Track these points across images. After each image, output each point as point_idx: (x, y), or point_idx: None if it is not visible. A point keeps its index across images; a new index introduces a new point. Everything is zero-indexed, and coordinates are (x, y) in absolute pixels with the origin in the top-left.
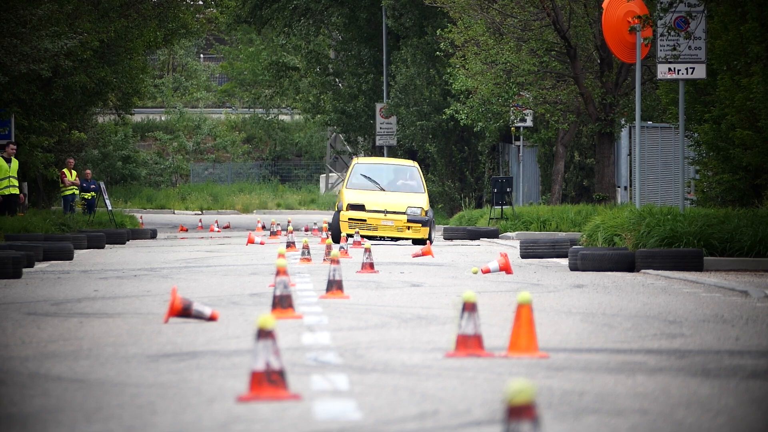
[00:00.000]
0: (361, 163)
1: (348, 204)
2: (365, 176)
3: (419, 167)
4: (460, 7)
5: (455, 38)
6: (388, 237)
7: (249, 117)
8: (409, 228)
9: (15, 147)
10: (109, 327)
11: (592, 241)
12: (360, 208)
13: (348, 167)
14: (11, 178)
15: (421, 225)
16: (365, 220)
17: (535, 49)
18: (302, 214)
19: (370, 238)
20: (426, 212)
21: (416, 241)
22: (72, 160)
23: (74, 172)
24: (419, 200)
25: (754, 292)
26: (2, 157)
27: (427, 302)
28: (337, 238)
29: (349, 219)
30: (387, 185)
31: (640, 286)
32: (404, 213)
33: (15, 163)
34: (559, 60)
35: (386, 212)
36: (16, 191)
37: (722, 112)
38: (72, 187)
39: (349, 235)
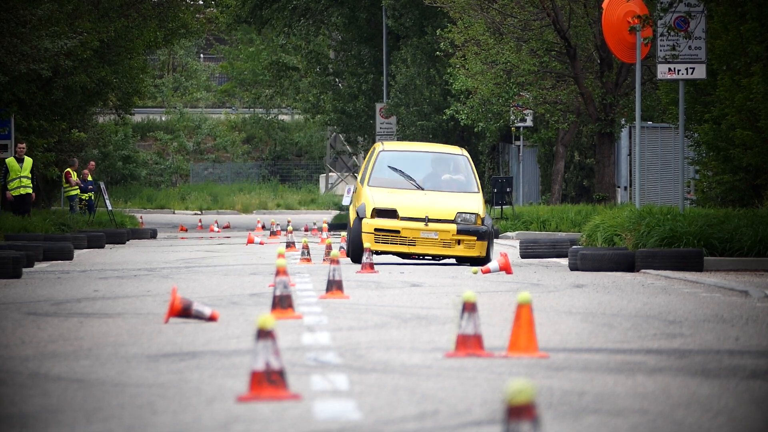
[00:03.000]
0: (388, 150)
1: (374, 209)
2: (394, 169)
3: (469, 156)
4: (460, 7)
5: (455, 38)
6: (429, 255)
7: (249, 117)
8: (459, 242)
9: (23, 146)
10: (109, 327)
11: (591, 241)
12: (391, 214)
13: (370, 156)
14: (22, 178)
15: (476, 238)
16: (399, 232)
17: (535, 49)
18: (302, 214)
19: (404, 256)
20: (483, 219)
21: (472, 262)
22: (77, 161)
23: (76, 173)
24: (472, 203)
25: (754, 292)
26: (14, 157)
27: (427, 302)
28: (358, 257)
29: (376, 230)
30: (426, 182)
31: (640, 286)
32: (453, 221)
33: (27, 162)
34: (559, 60)
35: (428, 220)
36: (28, 191)
37: (722, 112)
38: (76, 187)
39: (377, 253)
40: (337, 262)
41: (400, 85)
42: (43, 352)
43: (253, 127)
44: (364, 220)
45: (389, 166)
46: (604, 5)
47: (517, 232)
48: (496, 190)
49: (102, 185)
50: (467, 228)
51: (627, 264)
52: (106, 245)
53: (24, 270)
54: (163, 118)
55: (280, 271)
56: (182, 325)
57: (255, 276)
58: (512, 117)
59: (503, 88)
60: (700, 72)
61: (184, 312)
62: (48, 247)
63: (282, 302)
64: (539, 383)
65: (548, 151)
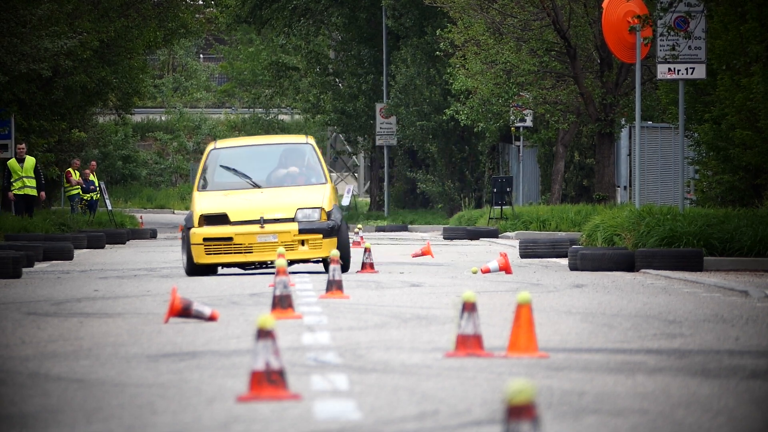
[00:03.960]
0: (220, 148)
1: (201, 215)
2: (226, 167)
3: (314, 144)
4: (460, 7)
5: (455, 38)
6: (271, 262)
7: (249, 117)
8: (303, 243)
9: (23, 147)
10: (109, 327)
11: (591, 240)
12: (222, 220)
13: (204, 157)
14: (25, 179)
15: (322, 236)
16: (231, 239)
17: (535, 49)
18: None
19: (243, 266)
20: (329, 214)
21: (326, 264)
22: (78, 161)
23: (77, 173)
24: (316, 196)
25: (754, 292)
26: (15, 158)
27: (427, 302)
28: (193, 272)
29: (205, 240)
30: (265, 179)
31: (639, 285)
32: (293, 219)
33: (29, 161)
34: (559, 60)
35: (263, 221)
36: (32, 192)
37: (722, 112)
38: (77, 186)
39: (212, 267)
40: (337, 261)
41: (400, 85)
42: (43, 352)
43: (253, 127)
44: (192, 230)
45: (221, 166)
46: (604, 5)
47: (516, 231)
48: (496, 190)
49: (102, 185)
50: (311, 226)
51: (627, 264)
52: (106, 245)
53: (24, 270)
54: (163, 118)
55: (279, 271)
56: (182, 325)
57: (255, 276)
58: (512, 117)
59: (503, 88)
60: (700, 72)
61: (184, 312)
62: (48, 247)
63: (282, 302)
64: (539, 383)
65: (548, 151)
